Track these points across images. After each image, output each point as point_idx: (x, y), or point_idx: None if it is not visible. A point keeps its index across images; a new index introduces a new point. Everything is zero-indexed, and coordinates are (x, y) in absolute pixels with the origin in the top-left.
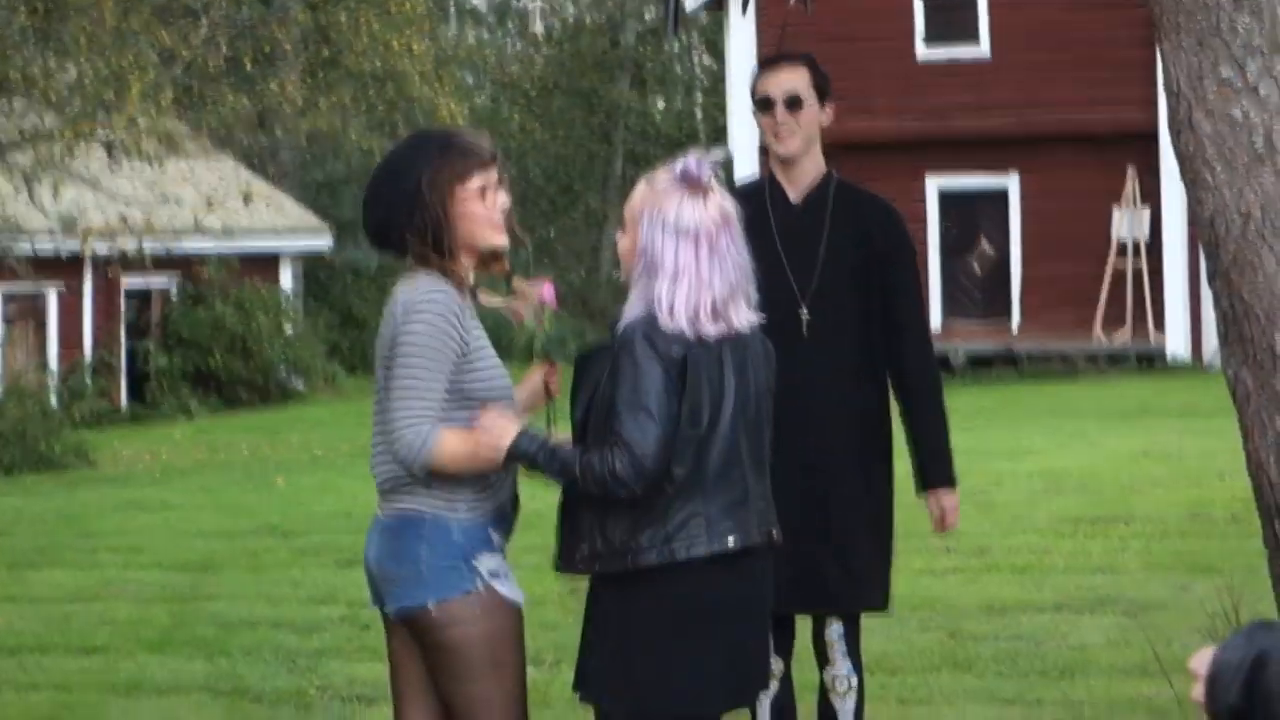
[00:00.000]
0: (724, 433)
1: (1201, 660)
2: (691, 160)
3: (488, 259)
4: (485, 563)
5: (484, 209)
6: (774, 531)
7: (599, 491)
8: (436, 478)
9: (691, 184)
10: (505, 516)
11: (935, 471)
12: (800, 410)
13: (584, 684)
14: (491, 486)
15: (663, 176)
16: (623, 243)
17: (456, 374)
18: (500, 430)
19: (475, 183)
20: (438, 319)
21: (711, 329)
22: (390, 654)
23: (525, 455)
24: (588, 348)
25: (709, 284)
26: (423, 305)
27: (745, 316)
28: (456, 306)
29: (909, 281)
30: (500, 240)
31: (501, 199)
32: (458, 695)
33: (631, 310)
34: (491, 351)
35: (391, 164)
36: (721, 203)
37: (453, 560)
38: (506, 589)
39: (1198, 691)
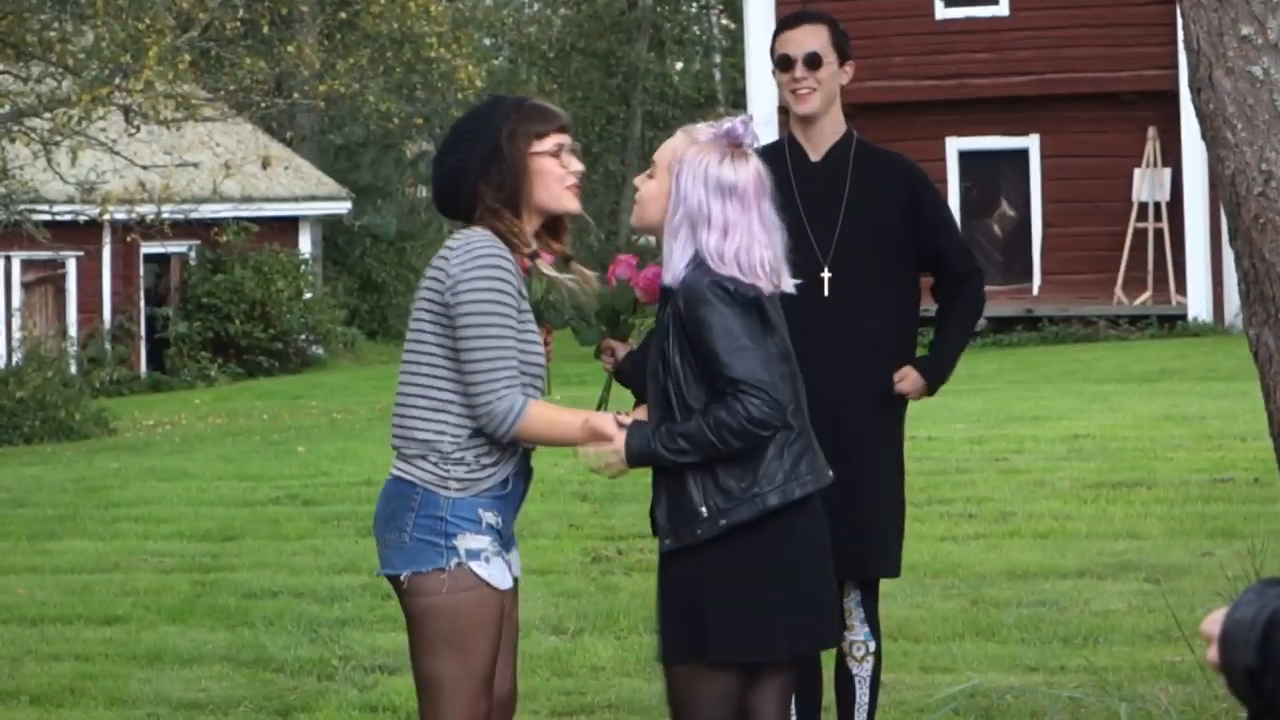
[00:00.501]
0: (798, 375)
1: (1213, 622)
2: (738, 122)
3: (554, 227)
4: (466, 542)
5: (559, 168)
6: None
7: (743, 444)
8: (433, 450)
9: (734, 144)
10: (507, 495)
11: (929, 365)
12: (821, 372)
13: (680, 649)
14: (493, 465)
15: (705, 130)
16: (648, 186)
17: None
18: (613, 437)
19: (551, 141)
20: (504, 280)
21: (765, 284)
22: None
23: (645, 455)
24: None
25: (762, 242)
26: (484, 260)
27: (789, 282)
28: (513, 264)
29: (954, 234)
30: (573, 205)
31: (575, 163)
32: (417, 667)
33: (678, 260)
34: (532, 322)
35: (467, 123)
36: (759, 167)
37: (432, 535)
38: (487, 571)
39: (1212, 653)
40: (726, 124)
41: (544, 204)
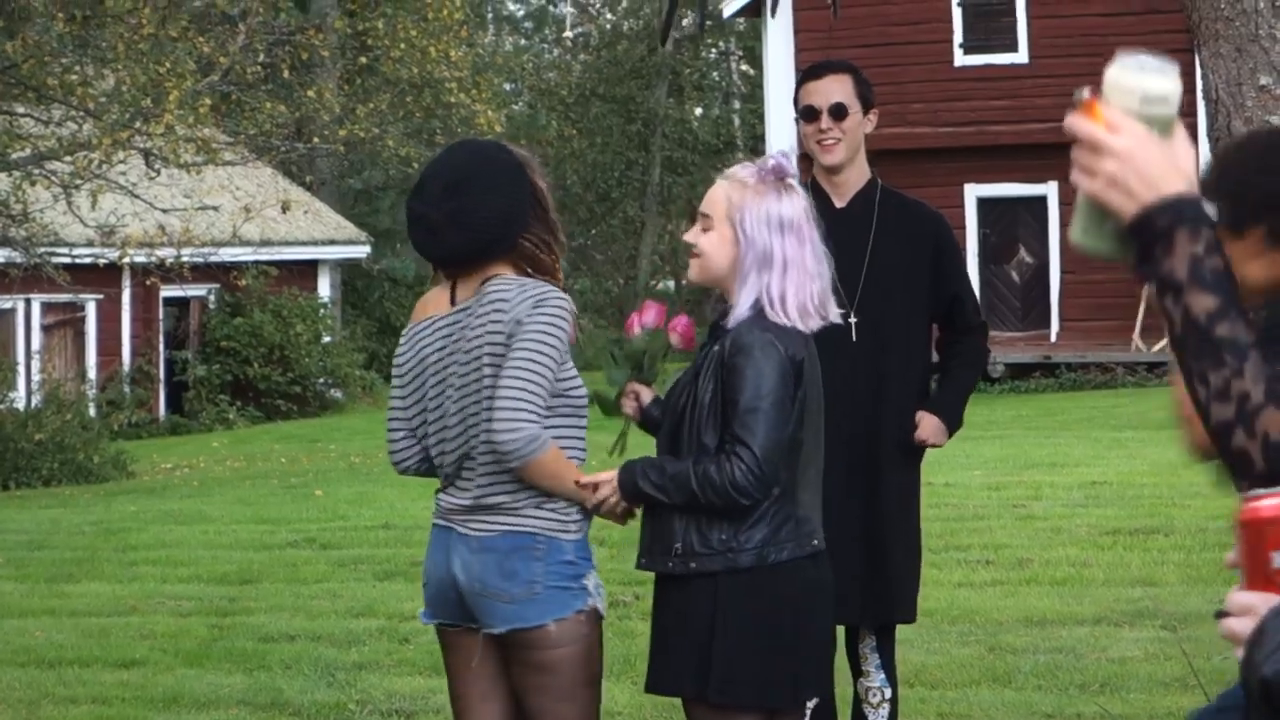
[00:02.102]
0: (814, 433)
1: (1239, 604)
2: (780, 156)
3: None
4: (592, 579)
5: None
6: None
7: (720, 503)
8: (550, 498)
9: (782, 179)
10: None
11: (944, 410)
12: (845, 415)
13: (664, 681)
14: (583, 515)
15: (748, 173)
16: (709, 239)
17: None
18: (604, 486)
19: (543, 183)
20: (562, 320)
21: (816, 322)
22: (453, 667)
23: (632, 488)
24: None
25: (815, 275)
26: (554, 302)
27: (835, 311)
28: (571, 309)
29: (969, 288)
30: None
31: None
32: (550, 713)
33: (744, 304)
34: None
35: (494, 165)
36: (805, 197)
37: (566, 580)
38: (603, 604)
39: (1229, 634)
40: (771, 161)
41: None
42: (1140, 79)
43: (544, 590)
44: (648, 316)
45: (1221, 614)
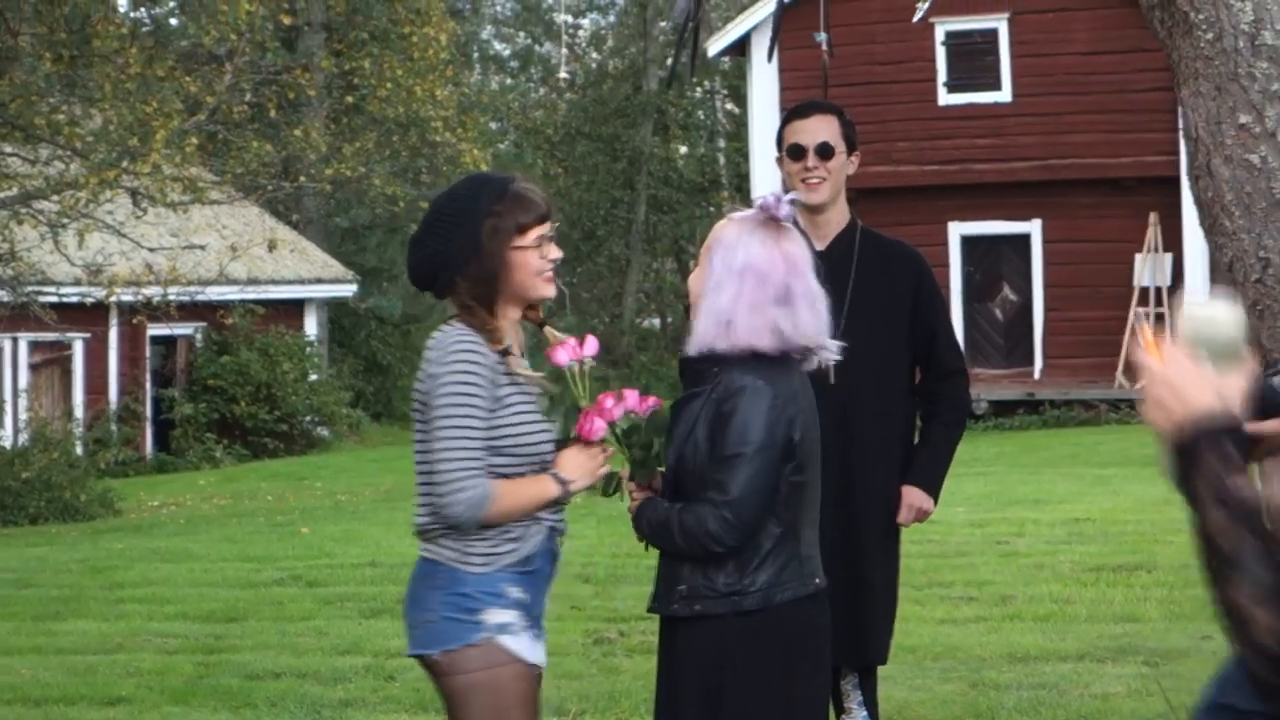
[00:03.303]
0: (813, 472)
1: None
2: (771, 197)
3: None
4: (493, 616)
5: (539, 261)
6: None
7: (698, 551)
8: (466, 534)
9: (775, 218)
10: (533, 574)
11: (925, 477)
12: (825, 458)
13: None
14: (516, 539)
15: (745, 214)
16: (694, 279)
17: (491, 425)
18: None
19: (533, 235)
20: (469, 370)
21: (814, 359)
22: None
23: (640, 534)
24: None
25: (819, 313)
26: (454, 357)
27: (831, 349)
28: (484, 358)
29: (948, 329)
30: (550, 292)
31: (554, 252)
32: None
33: (698, 344)
34: (524, 407)
35: (448, 208)
36: (799, 238)
37: (460, 612)
38: (517, 644)
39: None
40: (768, 199)
41: (521, 293)
42: (1194, 311)
43: (439, 620)
44: (630, 403)
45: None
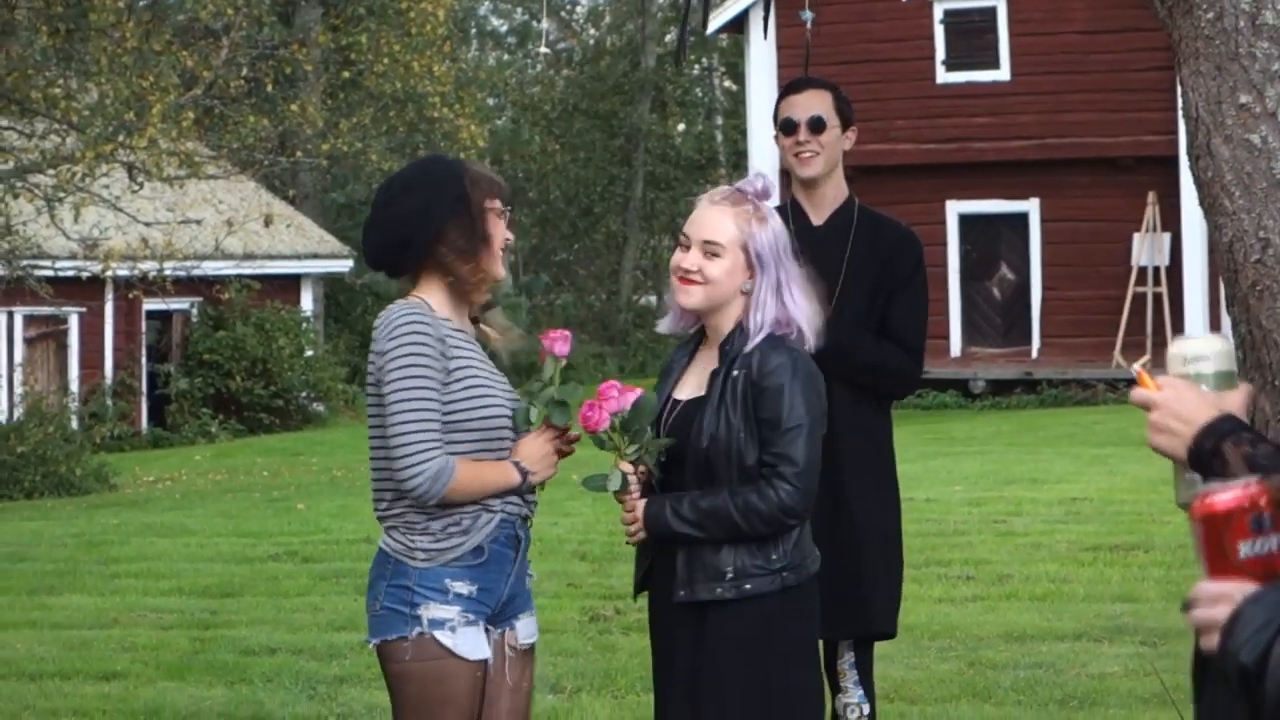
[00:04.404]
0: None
1: (1210, 593)
2: (763, 177)
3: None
4: (431, 611)
5: (504, 232)
6: None
7: (769, 530)
8: (402, 521)
9: (768, 198)
10: (484, 564)
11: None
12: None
13: (721, 712)
14: (463, 532)
15: (740, 195)
16: (718, 265)
17: (446, 400)
18: (640, 515)
19: (497, 205)
20: (417, 343)
21: (821, 340)
22: None
23: (659, 525)
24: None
25: (814, 295)
26: (400, 331)
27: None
28: (433, 331)
29: (915, 308)
30: (499, 271)
31: (508, 233)
32: None
33: (762, 332)
34: (481, 378)
35: (419, 174)
36: (779, 218)
37: (399, 604)
38: (452, 640)
39: (1199, 622)
40: (760, 182)
41: (486, 264)
42: (1180, 345)
43: (381, 609)
44: (625, 397)
45: (1188, 606)
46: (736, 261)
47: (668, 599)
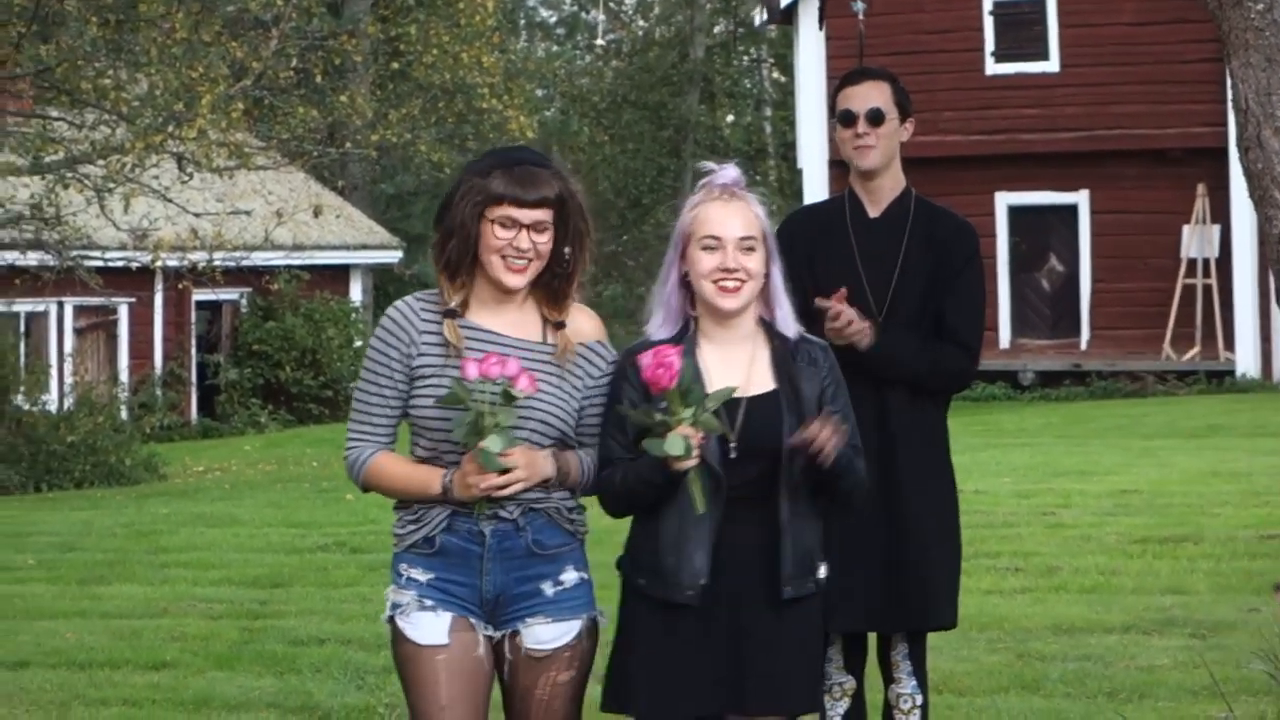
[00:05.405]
0: None
1: None
2: (729, 169)
3: (554, 295)
4: (393, 595)
5: (497, 240)
6: None
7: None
8: (399, 509)
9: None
10: (438, 552)
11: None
12: (874, 423)
13: (782, 701)
14: (414, 523)
15: (736, 190)
16: (753, 261)
17: (408, 395)
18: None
19: (502, 211)
20: (379, 338)
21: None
22: None
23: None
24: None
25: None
26: (380, 321)
27: None
28: (409, 325)
29: (970, 301)
30: (509, 281)
31: (523, 241)
32: None
33: (794, 326)
34: (435, 383)
35: (468, 166)
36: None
37: (387, 588)
38: (404, 623)
39: None
40: (733, 172)
41: (486, 267)
42: None
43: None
44: (670, 357)
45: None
46: (762, 252)
47: (746, 593)
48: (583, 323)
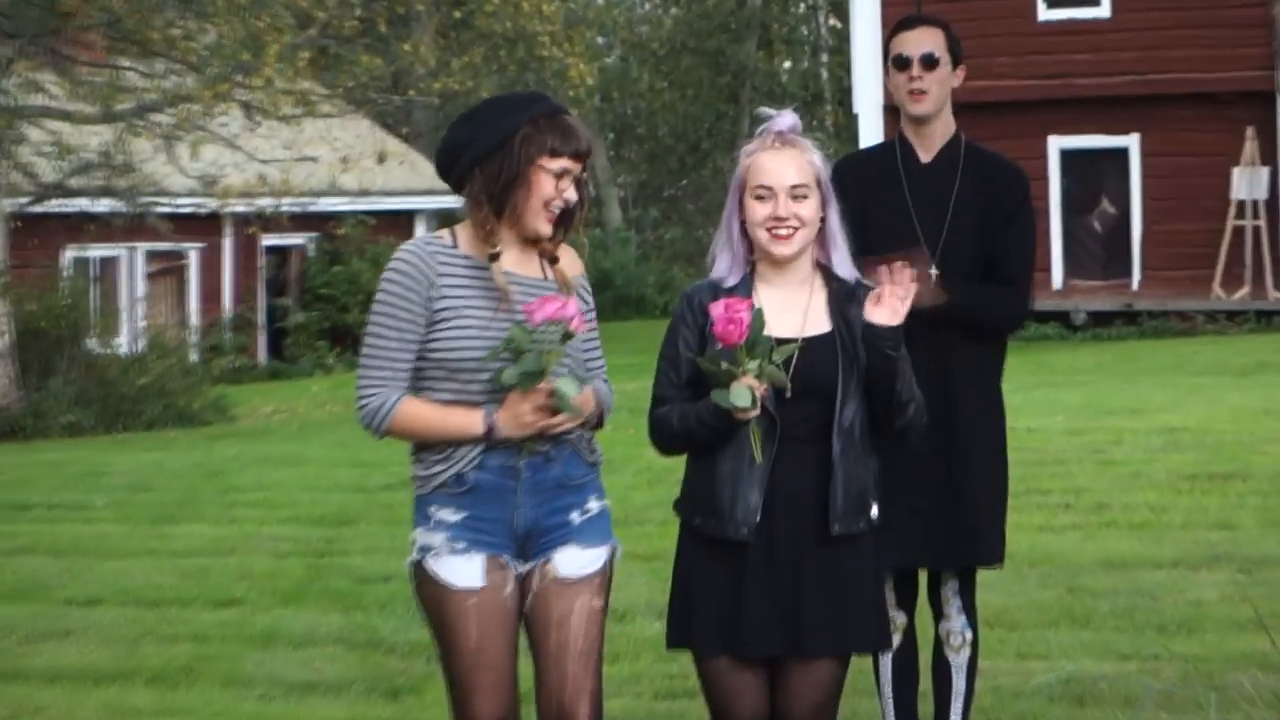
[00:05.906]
0: None
1: None
2: (786, 116)
3: (530, 239)
4: (421, 538)
5: (551, 191)
6: None
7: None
8: (411, 450)
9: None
10: (472, 489)
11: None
12: (929, 364)
13: (849, 641)
14: (442, 462)
15: (789, 137)
16: (806, 208)
17: (425, 339)
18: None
19: (560, 164)
20: (392, 279)
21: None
22: None
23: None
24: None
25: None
26: (391, 265)
27: None
28: (426, 268)
29: (1022, 242)
30: (546, 230)
31: (571, 193)
32: None
33: (850, 268)
34: (468, 321)
35: (494, 105)
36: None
37: (413, 529)
38: (436, 566)
39: None
40: (789, 119)
41: (525, 214)
42: None
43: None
44: (738, 308)
45: None
46: (816, 198)
47: (799, 532)
48: (569, 258)
